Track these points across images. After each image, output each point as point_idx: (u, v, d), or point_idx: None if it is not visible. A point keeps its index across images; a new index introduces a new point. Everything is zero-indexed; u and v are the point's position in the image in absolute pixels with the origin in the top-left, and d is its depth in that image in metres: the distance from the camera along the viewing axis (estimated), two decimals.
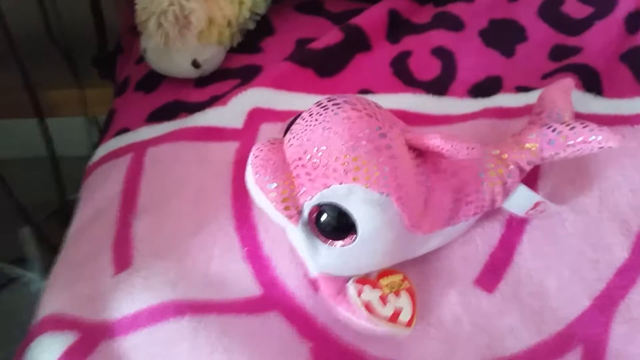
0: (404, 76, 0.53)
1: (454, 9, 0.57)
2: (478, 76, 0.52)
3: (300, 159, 0.34)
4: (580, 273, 0.40)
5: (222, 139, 0.49)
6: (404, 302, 0.37)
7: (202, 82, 0.55)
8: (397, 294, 0.38)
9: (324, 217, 0.34)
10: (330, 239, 0.35)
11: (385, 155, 0.33)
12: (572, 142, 0.38)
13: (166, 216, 0.45)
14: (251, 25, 0.56)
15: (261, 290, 0.40)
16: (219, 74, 0.55)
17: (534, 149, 0.40)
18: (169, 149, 0.49)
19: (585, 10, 0.56)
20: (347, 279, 0.38)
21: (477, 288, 0.40)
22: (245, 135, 0.49)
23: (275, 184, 0.34)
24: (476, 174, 0.39)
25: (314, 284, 0.40)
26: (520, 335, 0.38)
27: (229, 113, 0.50)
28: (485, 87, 0.51)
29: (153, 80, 0.56)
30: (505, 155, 0.40)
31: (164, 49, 0.51)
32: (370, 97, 0.50)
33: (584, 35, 0.55)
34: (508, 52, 0.54)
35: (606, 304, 0.39)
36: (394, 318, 0.36)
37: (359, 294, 0.37)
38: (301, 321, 0.39)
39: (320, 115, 0.34)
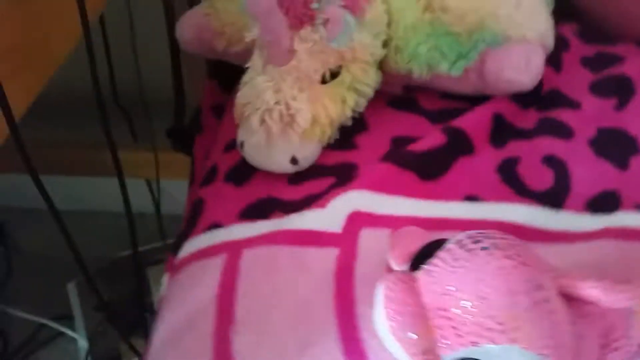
0: (514, 184, 0.50)
1: (559, 115, 0.55)
2: (594, 190, 0.49)
3: (445, 310, 0.31)
4: None
5: (321, 244, 0.46)
6: None
7: (296, 178, 0.52)
8: None
9: None
10: None
11: (544, 311, 0.29)
12: None
13: (267, 332, 0.41)
14: (349, 123, 0.55)
15: None
16: (314, 171, 0.53)
17: None
18: (265, 252, 0.46)
19: None
20: None
21: None
22: (346, 241, 0.46)
23: (414, 335, 0.31)
24: (624, 316, 0.35)
25: None
26: None
27: (328, 216, 0.48)
28: (604, 203, 0.48)
29: (245, 172, 0.54)
30: None
31: (263, 145, 0.49)
32: (479, 205, 0.48)
33: None
34: (622, 165, 0.51)
35: None
36: None
37: None
38: None
39: (468, 261, 0.31)
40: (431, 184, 0.50)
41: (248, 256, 0.46)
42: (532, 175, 0.50)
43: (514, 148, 0.53)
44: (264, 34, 0.48)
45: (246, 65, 0.52)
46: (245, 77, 0.52)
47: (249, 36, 0.49)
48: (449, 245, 0.33)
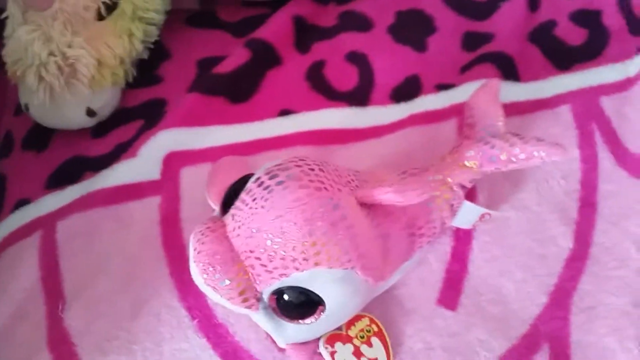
0: (322, 89, 0.50)
1: (358, 6, 0.54)
2: (396, 78, 0.50)
3: (252, 251, 0.31)
4: (532, 271, 0.41)
5: (140, 196, 0.44)
6: (377, 351, 0.36)
7: (100, 129, 0.48)
8: (368, 343, 0.37)
9: (286, 298, 0.32)
10: (295, 317, 0.33)
11: (342, 228, 0.30)
12: (514, 159, 0.38)
13: (98, 299, 0.40)
14: (145, 55, 0.50)
15: None
16: (119, 117, 0.49)
17: (474, 167, 0.39)
18: (81, 219, 0.43)
19: None
20: (316, 340, 0.36)
21: (440, 308, 0.40)
22: (166, 186, 0.45)
23: (228, 281, 0.31)
24: (425, 205, 0.37)
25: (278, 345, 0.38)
26: (491, 347, 0.39)
27: (142, 164, 0.45)
28: (406, 90, 0.50)
29: (42, 135, 0.49)
30: (449, 179, 0.39)
31: (50, 104, 0.44)
32: (292, 118, 0.48)
33: (491, 19, 0.54)
34: (420, 47, 0.52)
35: (561, 297, 0.40)
36: None
37: (333, 354, 0.35)
38: None
39: (265, 199, 0.30)
40: (243, 106, 0.49)
41: (63, 228, 0.43)
42: (337, 75, 0.50)
43: (318, 50, 0.52)
44: None
45: (2, 16, 0.45)
46: (7, 30, 0.45)
47: None
48: (249, 185, 0.32)
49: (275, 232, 0.30)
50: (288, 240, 0.30)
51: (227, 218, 0.33)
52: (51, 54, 0.43)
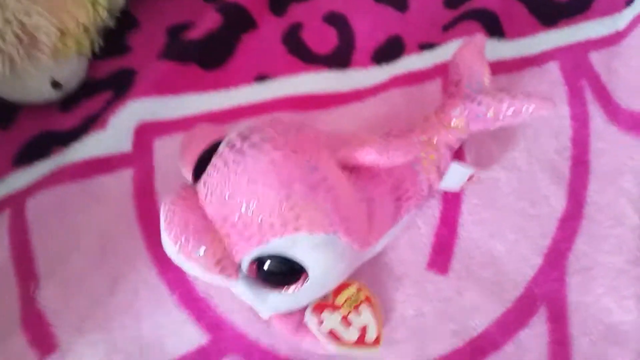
0: (300, 53, 0.47)
1: None
2: (378, 39, 0.48)
3: (226, 218, 0.29)
4: (525, 232, 0.40)
5: (112, 169, 0.42)
6: (366, 318, 0.35)
7: (67, 102, 0.46)
8: (357, 309, 0.35)
9: (267, 266, 0.30)
10: (277, 286, 0.31)
11: (322, 191, 0.28)
12: (501, 116, 0.36)
13: (73, 277, 0.38)
14: (112, 24, 0.48)
15: (207, 336, 0.36)
16: (86, 89, 0.46)
17: (461, 126, 0.37)
18: (51, 195, 0.41)
19: None
20: (302, 309, 0.34)
21: (430, 272, 0.39)
22: (139, 158, 0.43)
23: (203, 249, 0.29)
24: (410, 167, 0.36)
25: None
26: (485, 310, 0.37)
27: (112, 136, 0.43)
28: (388, 50, 0.48)
29: (7, 110, 0.46)
30: (435, 139, 0.37)
31: (11, 77, 0.42)
32: (269, 83, 0.46)
33: None
34: (401, 6, 0.50)
35: (556, 258, 0.39)
36: (361, 339, 0.34)
37: (320, 323, 0.33)
38: (261, 358, 0.35)
39: (238, 164, 0.28)
40: (217, 72, 0.47)
41: (33, 205, 0.41)
42: (316, 38, 0.48)
43: (294, 12, 0.50)
44: None
45: None
46: None
47: None
48: (220, 149, 0.30)
49: (250, 197, 0.28)
50: (264, 205, 0.28)
51: (199, 185, 0.31)
52: (7, 22, 0.40)
